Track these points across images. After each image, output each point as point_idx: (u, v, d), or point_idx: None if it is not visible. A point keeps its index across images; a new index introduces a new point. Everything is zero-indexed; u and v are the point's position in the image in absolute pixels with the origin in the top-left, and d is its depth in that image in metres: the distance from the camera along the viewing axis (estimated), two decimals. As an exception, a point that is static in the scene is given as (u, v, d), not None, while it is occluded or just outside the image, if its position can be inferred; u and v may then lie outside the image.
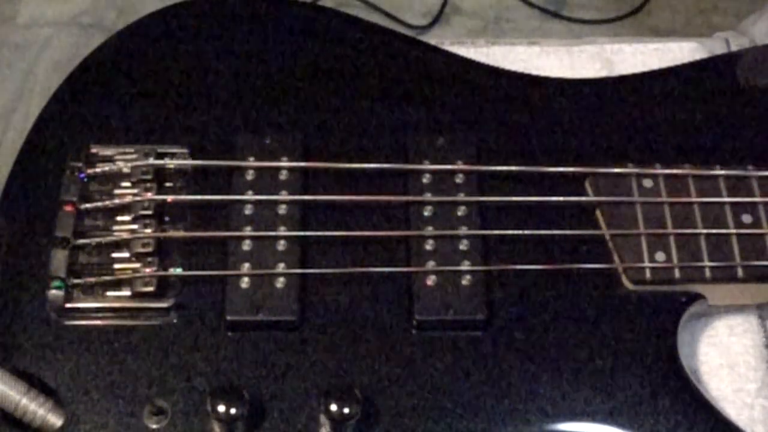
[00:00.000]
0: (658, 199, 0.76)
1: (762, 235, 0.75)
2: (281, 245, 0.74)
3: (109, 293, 0.72)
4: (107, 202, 0.75)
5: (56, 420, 0.68)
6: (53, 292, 0.71)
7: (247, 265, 0.73)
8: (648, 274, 0.74)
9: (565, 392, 0.70)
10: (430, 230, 0.75)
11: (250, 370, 0.70)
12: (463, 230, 0.75)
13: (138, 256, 0.73)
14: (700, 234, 0.75)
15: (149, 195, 0.75)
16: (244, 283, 0.72)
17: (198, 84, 0.81)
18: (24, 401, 0.67)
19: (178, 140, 0.78)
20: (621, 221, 0.75)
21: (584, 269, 0.74)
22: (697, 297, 0.74)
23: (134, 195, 0.75)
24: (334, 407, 0.65)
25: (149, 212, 0.74)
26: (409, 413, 0.69)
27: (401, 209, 0.76)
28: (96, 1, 1.46)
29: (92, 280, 0.72)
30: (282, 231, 0.74)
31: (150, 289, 0.72)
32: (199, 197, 0.76)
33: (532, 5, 1.49)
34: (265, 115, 0.80)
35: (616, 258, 0.75)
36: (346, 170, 0.77)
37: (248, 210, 0.75)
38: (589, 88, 0.83)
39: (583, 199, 0.77)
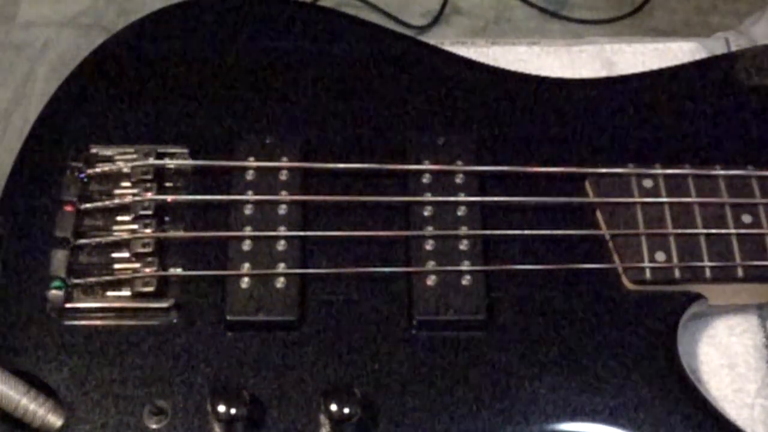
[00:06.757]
0: (658, 199, 0.76)
1: (762, 235, 0.75)
2: (281, 245, 0.74)
3: (109, 293, 0.72)
4: (107, 202, 0.75)
5: (56, 420, 0.68)
6: (53, 292, 0.71)
7: (247, 265, 0.73)
8: (648, 274, 0.74)
9: (565, 392, 0.70)
10: (430, 230, 0.75)
11: (250, 370, 0.70)
12: (463, 230, 0.75)
13: (138, 256, 0.73)
14: (700, 234, 0.75)
15: (149, 195, 0.75)
16: (244, 283, 0.72)
17: (198, 84, 0.81)
18: (24, 401, 0.67)
19: (178, 140, 0.78)
20: (621, 221, 0.75)
21: (584, 269, 0.74)
22: (697, 297, 0.74)
23: (134, 195, 0.75)
24: (334, 407, 0.65)
25: (149, 212, 0.74)
26: (409, 413, 0.69)
27: (401, 209, 0.76)
28: (96, 1, 1.46)
29: (92, 280, 0.72)
30: (282, 231, 0.74)
31: (150, 289, 0.72)
32: (199, 197, 0.76)
33: (532, 5, 1.49)
34: (265, 115, 0.80)
35: (616, 258, 0.75)
36: (346, 170, 0.77)
37: (248, 210, 0.75)
38: (589, 88, 0.83)
39: (583, 199, 0.77)
